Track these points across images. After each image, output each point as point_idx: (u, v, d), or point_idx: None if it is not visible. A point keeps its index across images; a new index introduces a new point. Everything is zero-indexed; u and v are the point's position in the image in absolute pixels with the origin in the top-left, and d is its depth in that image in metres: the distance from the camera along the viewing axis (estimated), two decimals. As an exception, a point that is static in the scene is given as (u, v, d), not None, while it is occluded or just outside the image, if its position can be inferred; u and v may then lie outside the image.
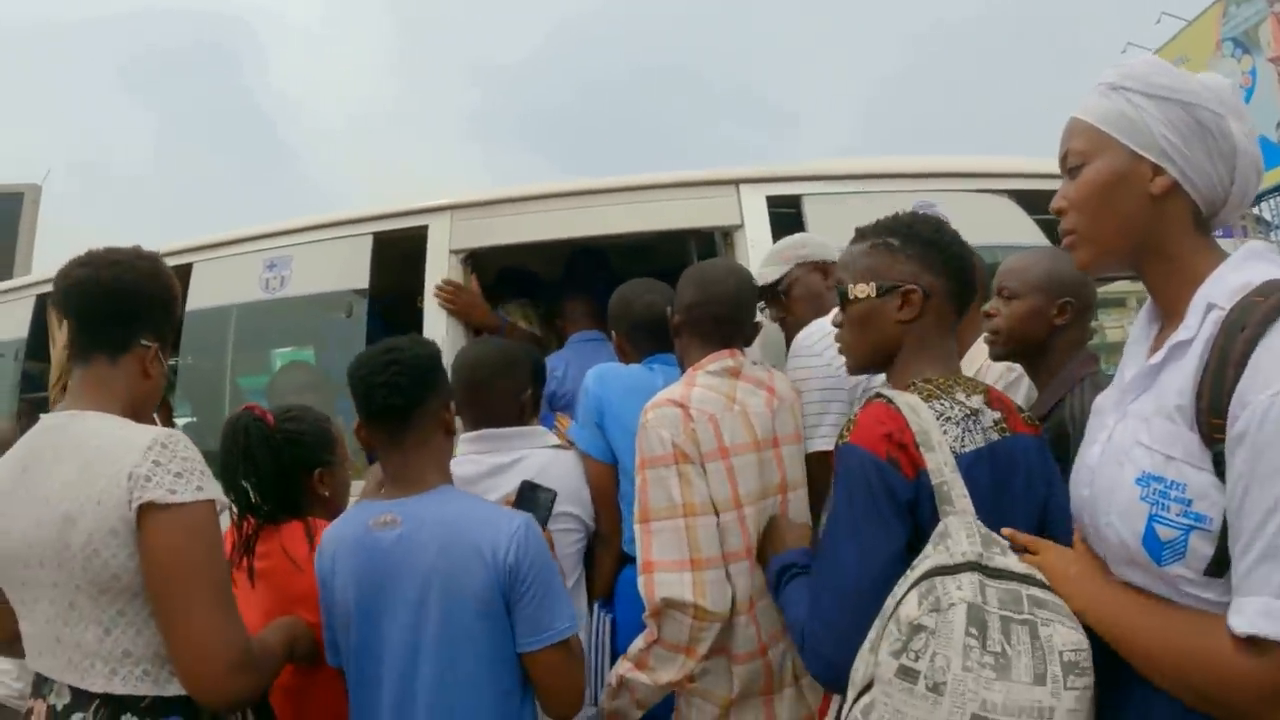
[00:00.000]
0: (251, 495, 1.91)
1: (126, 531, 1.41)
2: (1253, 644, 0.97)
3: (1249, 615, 0.97)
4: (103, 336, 1.58)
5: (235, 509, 1.90)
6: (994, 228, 2.94)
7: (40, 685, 1.51)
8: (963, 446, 1.38)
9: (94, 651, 1.44)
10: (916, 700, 1.15)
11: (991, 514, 1.31)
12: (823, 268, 2.45)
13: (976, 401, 1.45)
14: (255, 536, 1.88)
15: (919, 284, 1.50)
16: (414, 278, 3.08)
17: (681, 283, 2.11)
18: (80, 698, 1.45)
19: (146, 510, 1.40)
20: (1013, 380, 2.18)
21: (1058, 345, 2.00)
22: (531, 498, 1.92)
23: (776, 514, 1.92)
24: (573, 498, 2.17)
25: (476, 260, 3.10)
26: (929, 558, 1.25)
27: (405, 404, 1.76)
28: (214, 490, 1.50)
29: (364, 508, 1.80)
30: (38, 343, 4.18)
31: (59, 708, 1.46)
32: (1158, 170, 1.14)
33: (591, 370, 2.32)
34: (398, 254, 3.14)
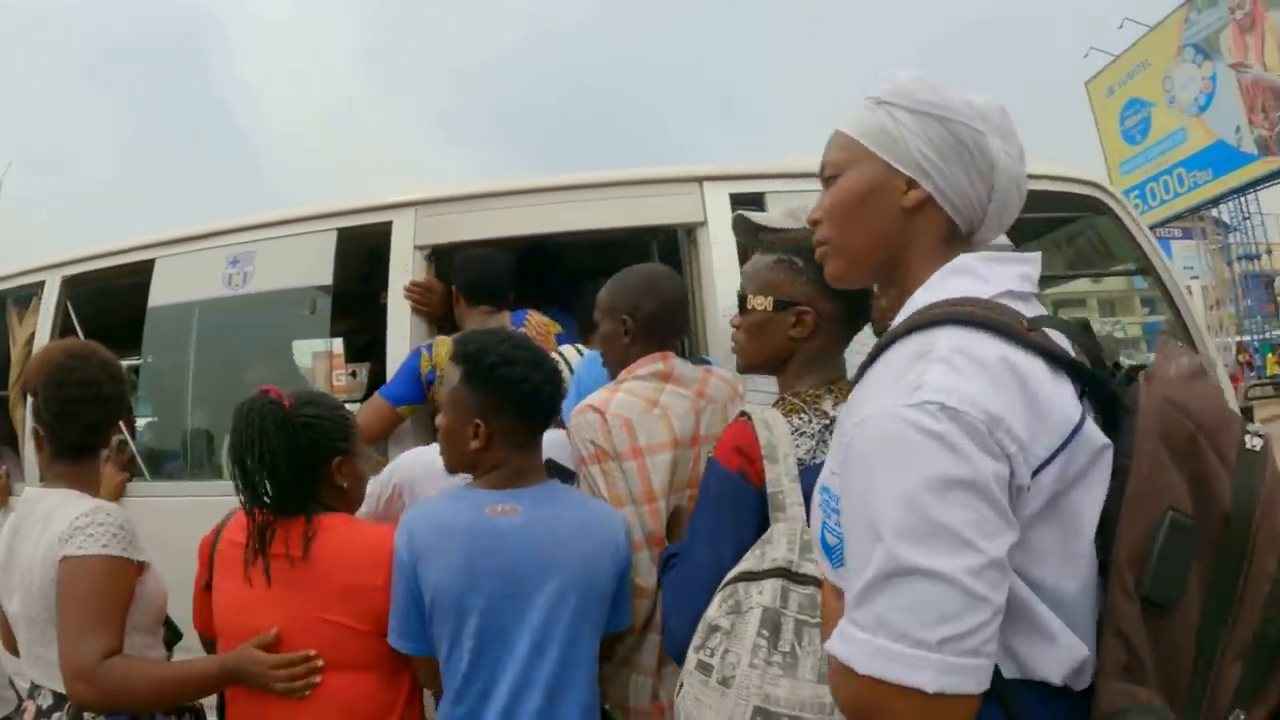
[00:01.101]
0: (264, 484, 1.83)
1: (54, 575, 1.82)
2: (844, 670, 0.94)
3: (834, 633, 0.96)
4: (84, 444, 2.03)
5: (245, 501, 1.86)
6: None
7: (33, 691, 1.92)
8: (813, 458, 1.49)
9: (55, 663, 1.79)
10: (709, 691, 1.29)
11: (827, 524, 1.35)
12: None
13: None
14: (271, 530, 1.83)
15: (814, 307, 1.60)
16: (378, 274, 3.08)
17: (629, 289, 2.16)
18: (58, 699, 1.86)
19: (62, 561, 1.81)
20: None
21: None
22: (557, 474, 2.03)
23: (681, 506, 2.02)
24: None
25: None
26: (744, 562, 1.38)
27: (545, 412, 1.89)
28: (117, 549, 1.83)
29: (468, 497, 1.82)
30: (-2, 339, 4.14)
31: (44, 707, 1.88)
32: (912, 184, 1.12)
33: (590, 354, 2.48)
34: (362, 250, 3.14)
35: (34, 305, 3.93)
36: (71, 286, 3.82)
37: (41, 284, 3.90)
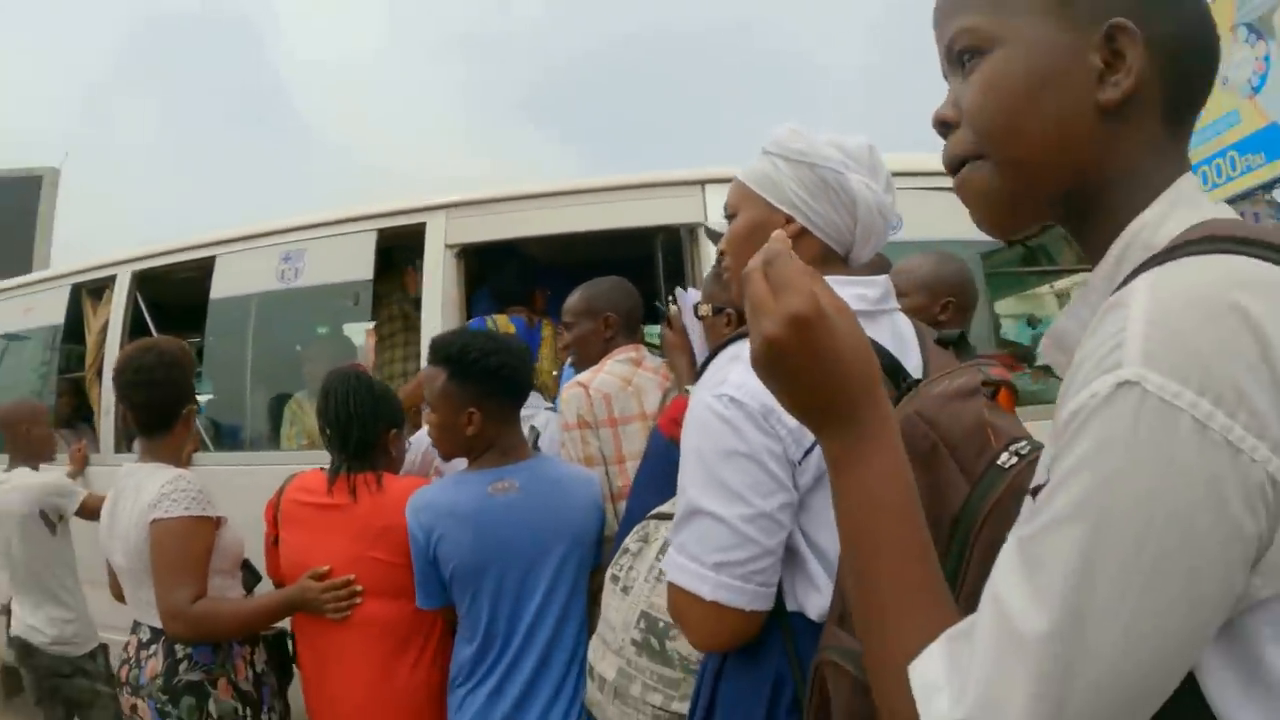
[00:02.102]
0: (346, 442, 2.26)
1: (146, 536, 2.20)
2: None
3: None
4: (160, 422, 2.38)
5: (331, 453, 2.30)
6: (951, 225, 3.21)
7: (135, 627, 2.33)
8: None
9: (151, 603, 2.21)
10: (614, 596, 1.65)
11: None
12: None
13: None
14: (351, 479, 2.23)
15: (738, 310, 1.88)
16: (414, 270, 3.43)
17: (606, 293, 2.61)
18: (155, 633, 2.25)
19: (152, 523, 2.19)
20: None
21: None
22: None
23: None
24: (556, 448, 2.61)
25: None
26: (662, 506, 1.70)
27: (529, 388, 2.24)
28: (197, 510, 2.21)
29: (470, 480, 2.15)
30: (73, 328, 4.56)
31: (144, 640, 2.27)
32: (789, 219, 1.32)
33: None
34: (399, 248, 3.48)
35: (106, 297, 4.34)
36: (141, 280, 4.23)
37: (113, 277, 4.30)
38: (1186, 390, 0.53)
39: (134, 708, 2.22)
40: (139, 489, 2.27)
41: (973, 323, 2.70)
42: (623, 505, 2.24)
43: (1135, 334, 0.56)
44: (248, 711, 2.23)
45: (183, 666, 2.19)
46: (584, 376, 2.46)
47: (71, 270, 4.66)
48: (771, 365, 0.76)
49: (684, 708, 1.50)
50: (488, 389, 2.12)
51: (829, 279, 1.13)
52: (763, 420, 1.17)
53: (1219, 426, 0.53)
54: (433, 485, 2.26)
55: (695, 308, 2.05)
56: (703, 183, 3.28)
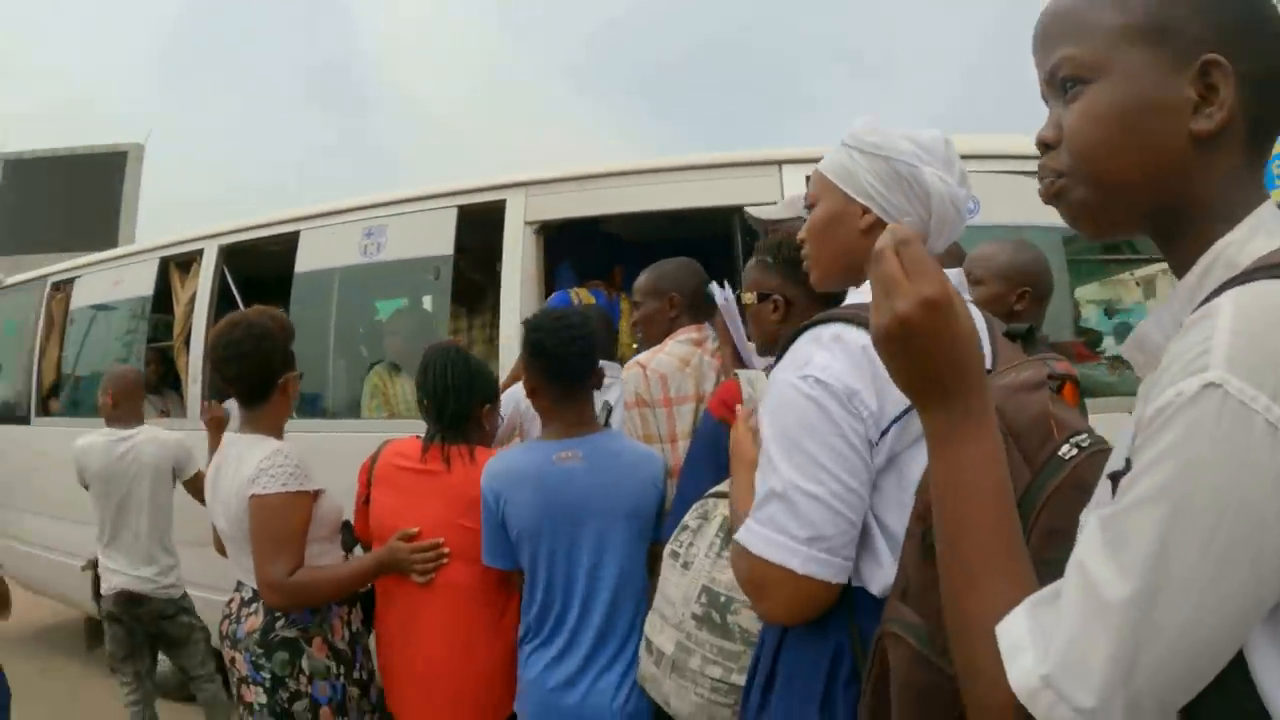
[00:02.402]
0: (442, 413, 2.37)
1: (247, 507, 2.29)
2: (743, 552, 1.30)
3: (740, 527, 1.31)
4: (256, 392, 2.44)
5: (427, 423, 2.41)
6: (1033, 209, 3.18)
7: (239, 585, 2.44)
8: None
9: (251, 568, 2.31)
10: (674, 571, 1.71)
11: None
12: None
13: None
14: (446, 449, 2.34)
15: (783, 294, 1.92)
16: (494, 246, 3.51)
17: (671, 274, 2.67)
18: (255, 594, 2.34)
19: (251, 498, 2.26)
20: None
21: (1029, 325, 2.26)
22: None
23: None
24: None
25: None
26: (720, 486, 1.76)
27: (588, 369, 2.26)
28: (295, 485, 2.27)
29: (537, 448, 2.26)
30: (161, 299, 4.75)
31: (245, 599, 2.39)
32: (865, 210, 1.37)
33: None
34: (479, 224, 3.56)
35: (194, 270, 4.51)
36: (227, 253, 4.38)
37: (201, 251, 4.47)
38: (1262, 395, 0.61)
39: (233, 660, 2.34)
40: (240, 460, 2.35)
41: (1052, 309, 2.71)
42: (673, 484, 2.29)
43: (1221, 342, 0.64)
44: (340, 669, 2.31)
45: (279, 624, 2.29)
46: (644, 356, 2.52)
47: (160, 244, 4.85)
48: (899, 341, 0.85)
49: (743, 679, 1.54)
50: (540, 367, 2.22)
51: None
52: (847, 401, 1.23)
53: None
54: (506, 451, 2.36)
55: (738, 295, 2.07)
56: (780, 163, 3.29)
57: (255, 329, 2.40)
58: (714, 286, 2.46)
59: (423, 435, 2.39)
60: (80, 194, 12.58)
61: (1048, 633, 0.69)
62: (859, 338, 1.25)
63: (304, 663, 2.27)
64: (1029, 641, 0.71)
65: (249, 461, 2.31)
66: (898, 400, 1.22)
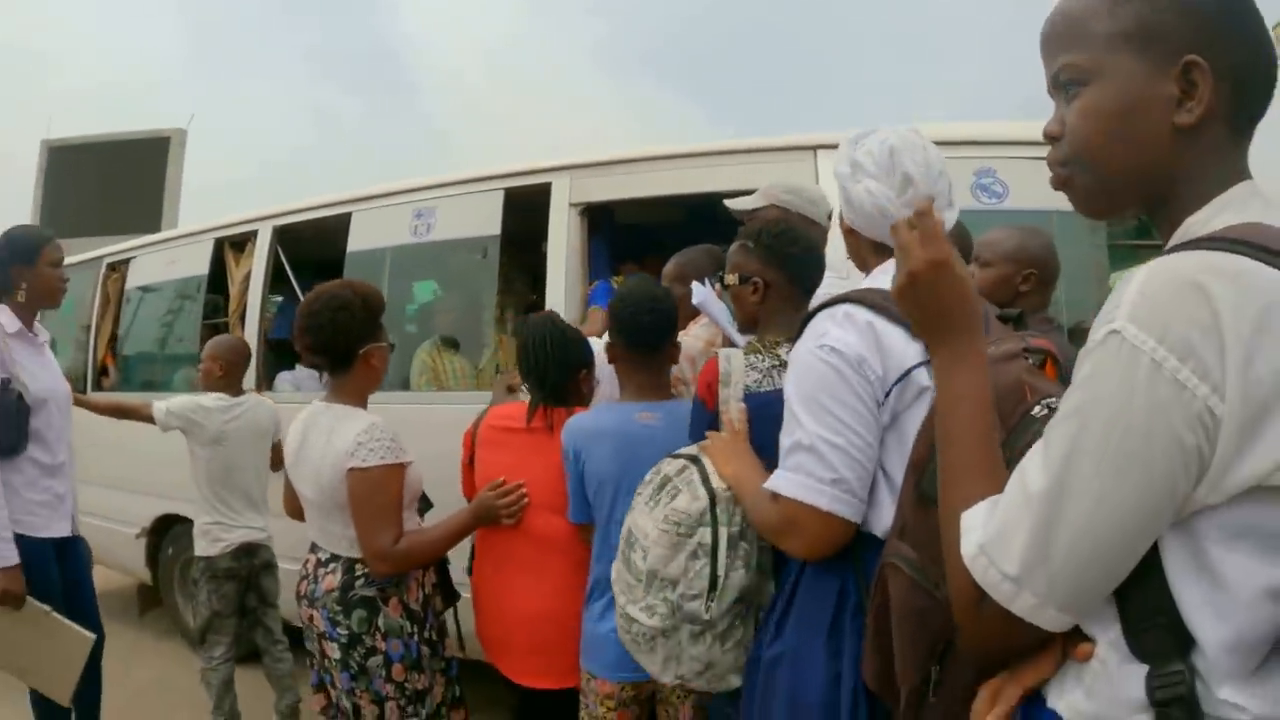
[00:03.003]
0: (544, 383, 2.53)
1: (343, 479, 2.37)
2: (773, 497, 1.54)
3: (771, 477, 1.55)
4: (338, 361, 2.52)
5: (530, 391, 2.58)
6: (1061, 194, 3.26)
7: (314, 548, 2.55)
8: (759, 387, 1.92)
9: (338, 535, 2.45)
10: (629, 514, 1.93)
11: (761, 434, 1.81)
12: (790, 216, 2.82)
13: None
14: (549, 413, 2.51)
15: (763, 277, 2.05)
16: (538, 227, 3.65)
17: (705, 260, 2.92)
18: (334, 557, 2.47)
19: (350, 471, 2.35)
20: None
21: (1021, 309, 2.38)
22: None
23: None
24: None
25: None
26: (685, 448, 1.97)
27: (660, 339, 2.42)
28: (391, 458, 2.37)
29: (619, 408, 2.44)
30: (216, 278, 4.94)
31: (323, 559, 2.49)
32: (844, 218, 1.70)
33: None
34: (525, 206, 3.70)
35: (248, 250, 4.69)
36: (281, 234, 4.56)
37: (255, 232, 4.65)
38: (1149, 339, 0.78)
39: (310, 618, 2.47)
40: (331, 431, 2.43)
41: (1089, 292, 2.82)
42: None
43: (1129, 298, 0.81)
44: (414, 629, 2.44)
45: (359, 583, 2.40)
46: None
47: (214, 225, 5.03)
48: (912, 292, 1.11)
49: (636, 611, 1.80)
50: (617, 332, 2.40)
51: (879, 268, 1.60)
52: (858, 366, 1.46)
53: (1169, 368, 0.77)
54: (588, 411, 2.52)
55: (721, 278, 2.22)
56: (815, 148, 3.36)
57: (334, 300, 2.47)
58: (694, 284, 2.61)
59: (526, 401, 2.58)
60: (123, 179, 12.77)
61: (993, 514, 0.88)
62: (866, 315, 1.49)
63: (380, 621, 2.39)
64: (980, 523, 0.90)
65: (343, 434, 2.39)
66: (898, 367, 1.46)
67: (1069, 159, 0.99)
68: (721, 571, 1.74)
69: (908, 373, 1.46)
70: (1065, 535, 0.81)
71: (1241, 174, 0.94)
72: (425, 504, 2.71)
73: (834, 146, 3.31)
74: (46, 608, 2.81)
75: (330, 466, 2.38)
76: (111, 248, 5.81)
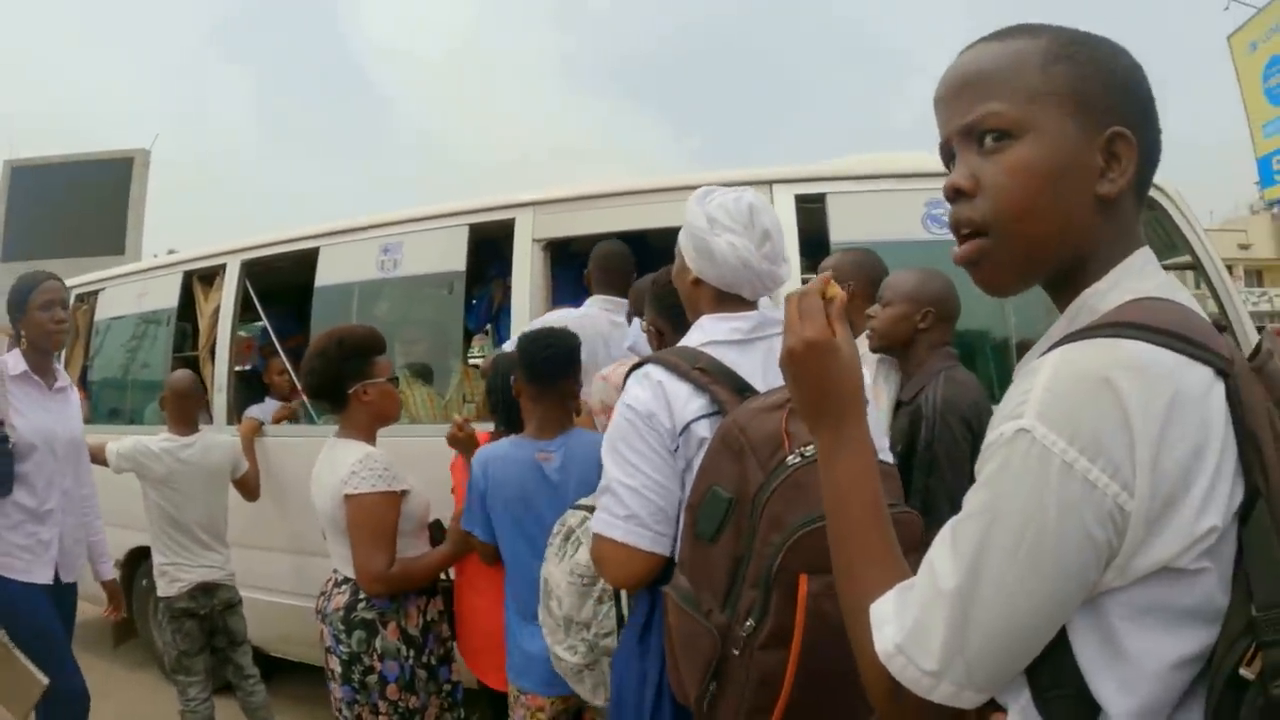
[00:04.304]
0: (511, 417, 2.77)
1: (340, 505, 2.57)
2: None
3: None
4: (331, 401, 2.77)
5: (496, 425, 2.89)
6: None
7: (335, 572, 2.72)
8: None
9: (345, 558, 2.64)
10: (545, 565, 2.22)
11: None
12: None
13: None
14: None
15: (655, 325, 2.18)
16: (503, 262, 3.73)
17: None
18: (346, 579, 2.66)
19: (345, 498, 2.55)
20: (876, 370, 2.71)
21: (921, 344, 2.54)
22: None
23: None
24: None
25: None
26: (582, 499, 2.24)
27: (557, 373, 2.57)
28: (383, 486, 2.56)
29: (524, 444, 2.60)
30: (185, 311, 4.97)
31: (338, 580, 2.69)
32: (690, 271, 1.77)
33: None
34: (490, 242, 3.78)
35: (217, 283, 4.71)
36: (249, 267, 4.60)
37: (223, 266, 4.69)
38: (1060, 440, 0.77)
39: (322, 634, 2.65)
40: (334, 461, 2.66)
41: (1039, 314, 2.93)
42: None
43: (1036, 395, 0.80)
44: (410, 653, 2.62)
45: (361, 605, 2.59)
46: (606, 370, 2.80)
47: (183, 259, 5.07)
48: (788, 370, 1.07)
49: (561, 651, 2.11)
50: (521, 372, 2.61)
51: (709, 316, 1.73)
52: (648, 419, 1.62)
53: (1080, 468, 0.77)
54: (498, 442, 2.71)
55: (641, 322, 2.37)
56: (770, 182, 3.48)
57: (315, 348, 2.73)
58: (635, 320, 2.74)
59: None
60: (87, 199, 12.70)
61: (905, 610, 0.86)
62: (659, 374, 1.66)
63: (377, 643, 2.58)
64: (892, 616, 0.88)
65: (341, 463, 2.61)
66: (682, 419, 1.61)
67: (984, 221, 0.92)
68: (625, 611, 1.97)
69: (688, 425, 1.60)
70: (981, 629, 0.81)
71: (1139, 242, 0.94)
72: (441, 534, 2.85)
73: (789, 181, 3.50)
74: (6, 640, 2.83)
75: (330, 494, 2.60)
76: (80, 278, 5.80)
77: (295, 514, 3.92)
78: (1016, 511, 0.79)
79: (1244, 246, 34.79)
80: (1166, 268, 1.57)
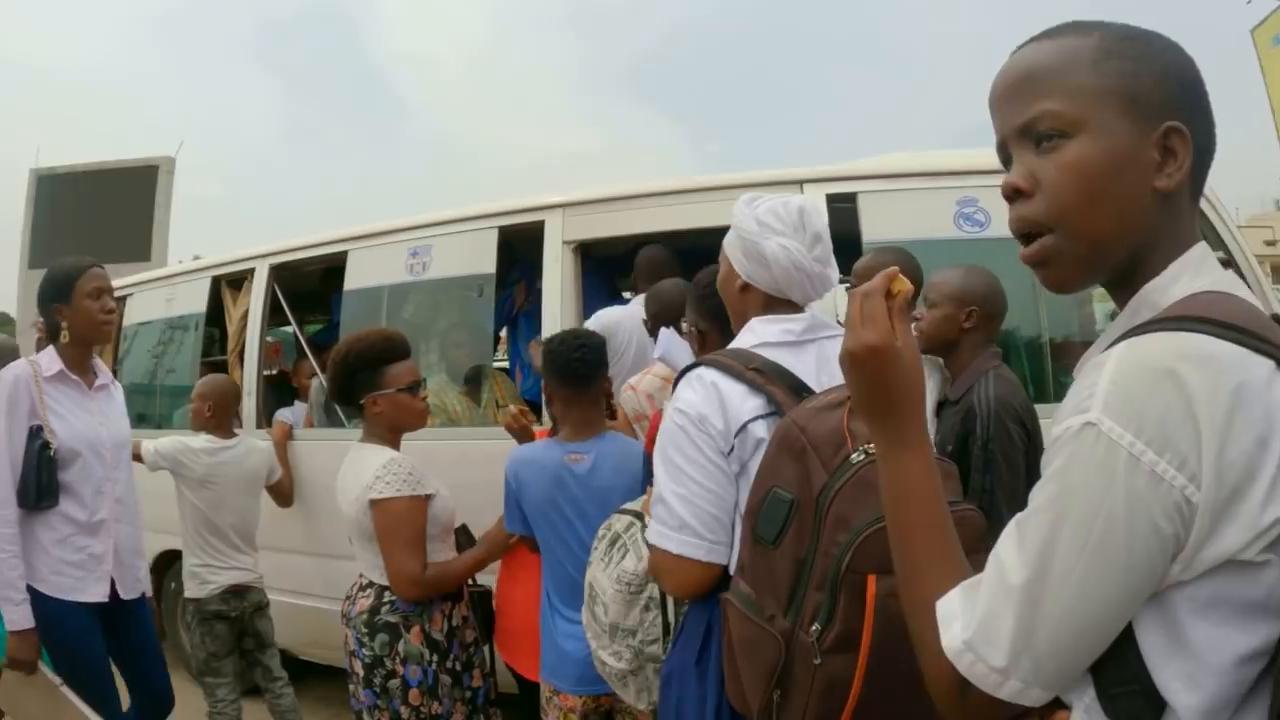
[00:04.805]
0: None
1: (366, 511, 2.57)
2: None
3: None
4: (351, 407, 2.81)
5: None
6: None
7: (361, 576, 2.72)
8: None
9: (370, 562, 2.65)
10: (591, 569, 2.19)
11: None
12: None
13: None
14: None
15: (697, 326, 2.20)
16: (524, 265, 3.73)
17: (670, 295, 2.89)
18: (371, 583, 2.67)
19: (371, 503, 2.54)
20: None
21: (966, 343, 2.53)
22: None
23: None
24: None
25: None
26: (630, 504, 2.23)
27: (589, 375, 2.57)
28: (408, 490, 2.56)
29: (555, 447, 2.61)
30: (213, 316, 5.00)
31: (363, 584, 2.70)
32: (737, 274, 1.74)
33: None
34: (519, 244, 3.78)
35: (245, 288, 4.74)
36: (278, 272, 4.62)
37: (252, 270, 4.71)
38: (1127, 433, 0.78)
39: (346, 637, 2.66)
40: (358, 466, 2.66)
41: (1070, 313, 2.90)
42: None
43: (1102, 388, 0.80)
44: (434, 658, 2.61)
45: (385, 608, 2.59)
46: (634, 379, 2.82)
47: (212, 263, 5.09)
48: (848, 370, 1.07)
49: (606, 656, 2.07)
50: (551, 375, 2.62)
51: (759, 319, 1.71)
52: (700, 424, 1.59)
53: (1147, 461, 0.77)
54: (530, 444, 2.76)
55: (682, 324, 2.36)
56: (801, 182, 3.48)
57: (332, 355, 2.75)
58: (662, 331, 2.75)
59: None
60: (112, 207, 12.85)
61: (972, 606, 0.87)
62: (712, 375, 1.62)
63: (400, 646, 2.57)
64: (959, 613, 0.89)
65: (366, 468, 2.61)
66: (736, 421, 1.58)
67: (1046, 219, 0.93)
68: (671, 618, 1.99)
69: (744, 426, 1.57)
70: (1049, 624, 0.82)
71: (1195, 237, 0.95)
72: (468, 539, 2.86)
73: (819, 180, 3.49)
74: (58, 680, 2.65)
75: (354, 499, 2.60)
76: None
77: (325, 517, 3.91)
78: (1084, 505, 0.80)
79: (1270, 243, 34.46)
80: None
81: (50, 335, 2.88)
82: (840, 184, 3.49)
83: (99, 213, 12.88)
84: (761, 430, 1.56)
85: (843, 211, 3.41)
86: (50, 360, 2.80)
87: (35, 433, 2.68)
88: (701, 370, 1.65)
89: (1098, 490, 0.79)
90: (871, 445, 1.33)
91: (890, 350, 1.04)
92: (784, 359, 1.65)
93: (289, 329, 5.08)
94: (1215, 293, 0.88)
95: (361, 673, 2.59)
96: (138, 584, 2.99)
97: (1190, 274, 0.91)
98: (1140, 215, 0.91)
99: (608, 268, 4.32)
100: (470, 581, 2.85)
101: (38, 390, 2.72)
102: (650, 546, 1.66)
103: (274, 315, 4.66)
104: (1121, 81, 0.90)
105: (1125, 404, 0.79)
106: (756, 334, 1.71)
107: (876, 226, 3.35)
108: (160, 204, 12.92)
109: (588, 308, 3.72)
